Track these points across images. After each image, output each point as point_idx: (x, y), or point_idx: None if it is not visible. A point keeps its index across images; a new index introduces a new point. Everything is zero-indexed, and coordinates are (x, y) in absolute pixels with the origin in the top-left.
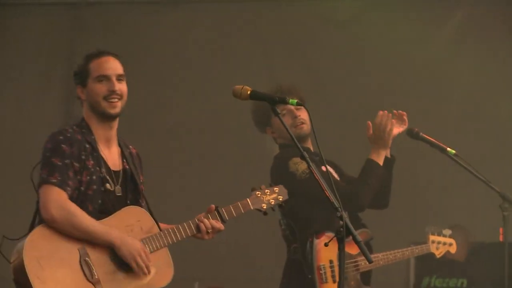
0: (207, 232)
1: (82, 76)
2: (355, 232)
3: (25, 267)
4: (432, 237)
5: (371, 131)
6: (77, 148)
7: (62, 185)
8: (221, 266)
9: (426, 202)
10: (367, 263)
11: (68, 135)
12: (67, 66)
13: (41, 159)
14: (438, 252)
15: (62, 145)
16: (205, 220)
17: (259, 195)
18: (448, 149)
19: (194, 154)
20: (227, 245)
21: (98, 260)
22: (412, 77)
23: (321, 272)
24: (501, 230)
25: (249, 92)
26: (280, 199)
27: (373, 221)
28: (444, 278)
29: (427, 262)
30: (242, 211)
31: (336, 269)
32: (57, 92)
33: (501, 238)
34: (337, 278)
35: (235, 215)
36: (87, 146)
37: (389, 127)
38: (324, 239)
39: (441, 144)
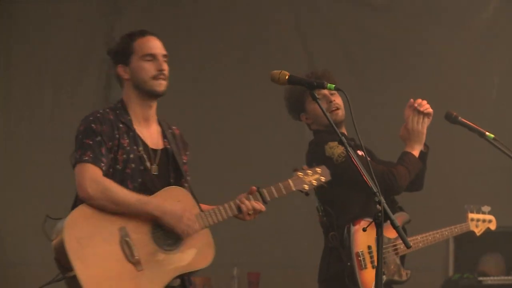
0: (248, 214)
1: (125, 55)
2: (393, 217)
3: (65, 246)
4: (471, 215)
5: (402, 132)
6: (108, 126)
7: (95, 162)
8: (259, 252)
9: (463, 186)
10: None
11: (99, 115)
12: (105, 51)
13: (75, 143)
14: (478, 230)
15: (92, 125)
16: (246, 201)
17: (301, 175)
18: (487, 133)
19: (230, 138)
20: (265, 231)
21: (139, 240)
22: (450, 61)
23: (359, 258)
24: None
25: (287, 77)
26: (322, 179)
27: (410, 204)
28: None
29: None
30: (284, 192)
31: (375, 254)
32: (95, 77)
33: None
34: (376, 264)
35: (276, 196)
36: (121, 125)
37: (422, 122)
38: (362, 225)
39: (480, 128)
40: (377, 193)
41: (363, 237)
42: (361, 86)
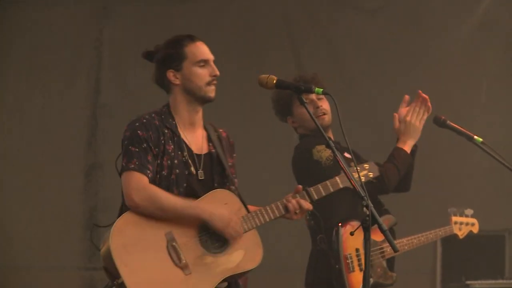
0: (295, 213)
1: (176, 60)
2: (381, 221)
3: (112, 254)
4: (454, 218)
5: (397, 124)
6: (154, 132)
7: (141, 169)
8: None
9: (450, 189)
10: None
11: (144, 121)
12: (94, 56)
13: (122, 149)
14: (461, 233)
15: (138, 131)
16: (293, 200)
17: None
18: (475, 137)
19: None
20: None
21: (186, 244)
22: (440, 65)
23: (348, 261)
24: None
25: (274, 82)
26: (371, 175)
27: (396, 206)
28: None
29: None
30: (331, 190)
31: (363, 257)
32: (84, 81)
33: None
34: (363, 267)
35: (324, 194)
36: (166, 131)
37: (421, 117)
38: (349, 228)
39: (468, 132)
40: (365, 197)
41: (351, 240)
42: (351, 90)
